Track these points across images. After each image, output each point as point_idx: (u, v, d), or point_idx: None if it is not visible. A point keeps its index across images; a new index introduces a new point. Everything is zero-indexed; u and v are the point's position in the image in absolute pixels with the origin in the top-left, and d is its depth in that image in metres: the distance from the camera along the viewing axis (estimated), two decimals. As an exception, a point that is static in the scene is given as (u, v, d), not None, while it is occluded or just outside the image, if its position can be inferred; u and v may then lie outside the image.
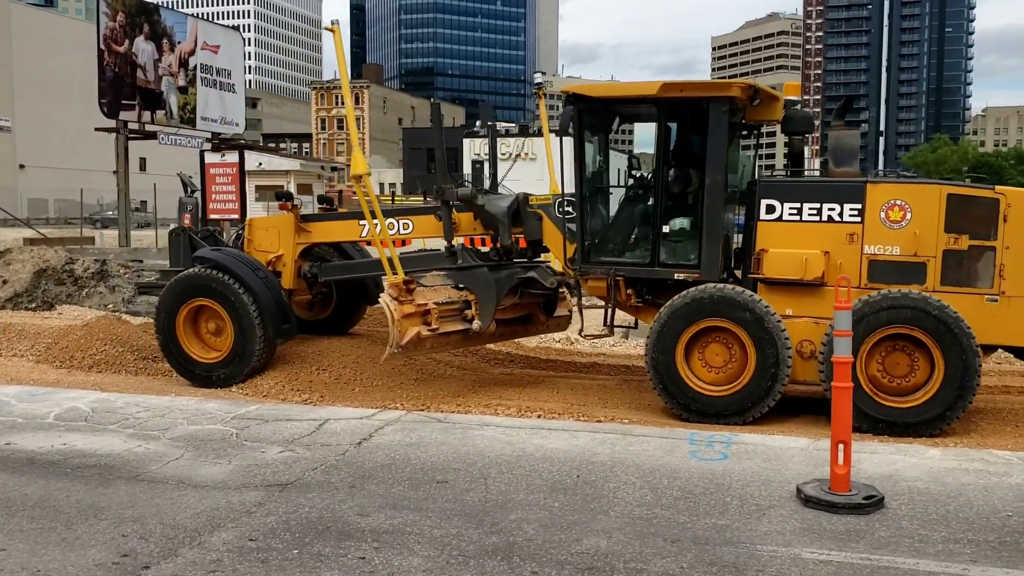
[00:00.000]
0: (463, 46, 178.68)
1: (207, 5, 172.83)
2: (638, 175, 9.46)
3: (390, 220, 9.78)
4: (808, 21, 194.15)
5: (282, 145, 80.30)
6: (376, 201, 8.68)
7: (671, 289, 8.60)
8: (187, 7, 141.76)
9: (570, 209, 9.28)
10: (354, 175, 8.50)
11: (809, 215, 8.07)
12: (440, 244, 10.04)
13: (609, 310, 9.13)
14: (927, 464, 6.39)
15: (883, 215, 7.90)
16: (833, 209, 8.00)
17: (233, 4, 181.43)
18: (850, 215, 7.95)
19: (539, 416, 8.06)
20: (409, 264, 9.47)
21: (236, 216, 24.36)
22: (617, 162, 10.03)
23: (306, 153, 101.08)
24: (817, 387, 8.11)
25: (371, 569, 4.50)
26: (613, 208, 9.55)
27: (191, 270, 9.86)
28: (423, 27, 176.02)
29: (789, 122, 8.99)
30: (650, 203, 8.87)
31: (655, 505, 5.50)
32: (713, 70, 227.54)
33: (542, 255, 10.27)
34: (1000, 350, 8.57)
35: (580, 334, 9.80)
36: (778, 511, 5.40)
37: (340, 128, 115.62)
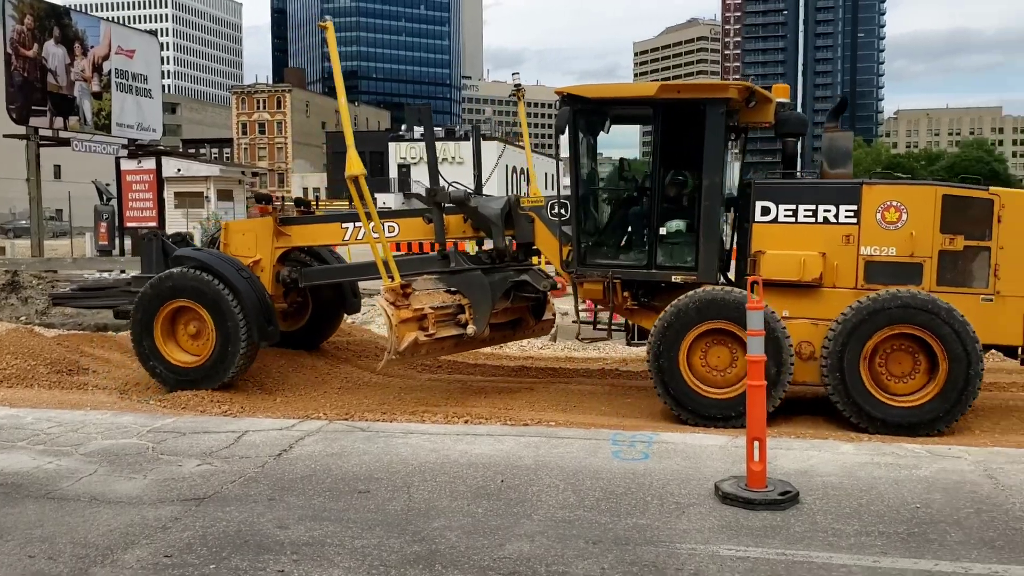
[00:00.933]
0: (387, 50, 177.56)
1: (123, 9, 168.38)
2: (634, 177, 9.43)
3: (373, 223, 9.68)
4: (726, 27, 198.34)
5: (202, 151, 78.62)
6: (372, 203, 8.43)
7: (667, 291, 8.62)
8: (101, 11, 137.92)
9: (562, 212, 9.21)
10: (349, 176, 8.24)
11: (805, 217, 8.10)
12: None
13: (598, 313, 9.26)
14: (841, 459, 6.57)
15: (879, 216, 7.95)
16: (829, 211, 8.03)
17: (150, 8, 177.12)
18: (846, 216, 8.00)
19: (466, 422, 8.04)
20: (400, 268, 9.30)
21: (154, 224, 23.73)
22: (611, 164, 10.10)
23: (227, 158, 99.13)
24: (817, 387, 8.20)
25: (290, 583, 4.42)
26: (609, 210, 9.54)
27: (173, 270, 9.47)
28: (346, 31, 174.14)
29: (783, 124, 9.00)
30: (647, 205, 8.80)
31: (578, 507, 5.54)
32: (635, 75, 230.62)
33: (532, 258, 10.13)
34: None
35: (578, 337, 9.75)
36: (697, 509, 5.49)
37: (262, 132, 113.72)
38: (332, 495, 5.79)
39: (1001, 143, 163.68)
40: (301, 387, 9.93)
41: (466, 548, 4.87)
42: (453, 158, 76.96)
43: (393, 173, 77.63)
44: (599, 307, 9.34)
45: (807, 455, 6.68)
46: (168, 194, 43.30)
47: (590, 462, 6.50)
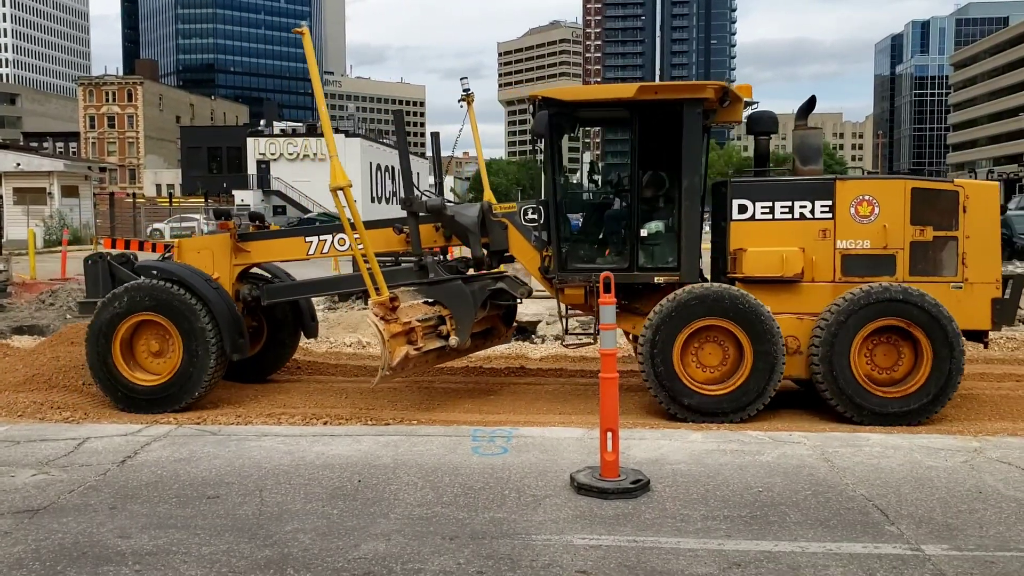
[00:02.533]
0: (245, 43, 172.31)
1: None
2: (612, 179, 9.24)
3: (340, 236, 9.18)
4: (588, 30, 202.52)
5: (44, 144, 74.23)
6: (357, 214, 8.00)
7: (647, 294, 8.61)
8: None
9: (535, 217, 9.02)
10: (333, 187, 7.86)
11: (781, 213, 8.19)
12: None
13: (566, 318, 9.10)
14: (690, 447, 6.81)
15: (853, 211, 8.12)
16: (804, 207, 8.15)
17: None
18: (821, 212, 8.13)
19: (324, 423, 7.90)
20: (360, 282, 8.88)
21: (-11, 221, 22.22)
22: (588, 167, 10.01)
23: (73, 153, 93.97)
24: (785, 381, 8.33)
25: (131, 594, 4.22)
26: (588, 214, 9.39)
27: (134, 282, 8.80)
28: (202, 22, 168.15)
29: (756, 123, 9.07)
30: (625, 207, 8.72)
31: (436, 504, 5.52)
32: (500, 75, 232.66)
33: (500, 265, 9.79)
34: None
35: (563, 344, 9.48)
36: (553, 500, 5.57)
37: (112, 126, 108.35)
38: (179, 502, 5.56)
39: (841, 147, 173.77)
40: (150, 391, 9.49)
41: (319, 550, 4.77)
42: (315, 154, 75.64)
43: (252, 169, 75.43)
44: (571, 311, 9.16)
45: (659, 444, 6.89)
46: (6, 190, 40.68)
47: (449, 459, 6.49)
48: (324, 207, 70.00)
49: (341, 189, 7.80)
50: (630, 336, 9.24)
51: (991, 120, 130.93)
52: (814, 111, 9.33)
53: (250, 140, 77.13)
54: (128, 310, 8.65)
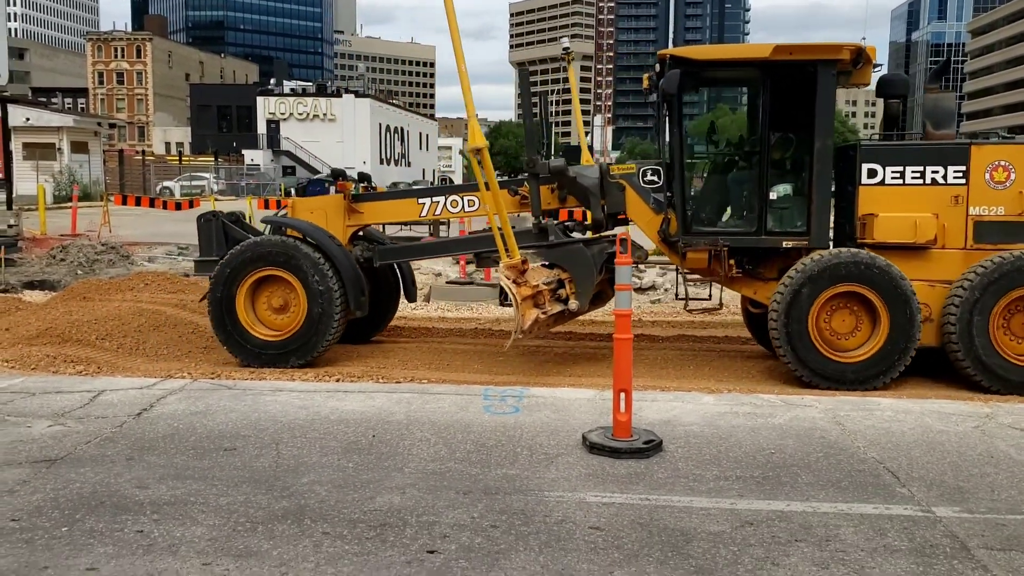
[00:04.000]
0: (256, 0, 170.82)
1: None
2: (740, 141, 9.12)
3: (453, 197, 9.21)
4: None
5: (54, 100, 73.96)
6: (493, 176, 7.82)
7: (770, 258, 8.59)
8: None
9: (655, 179, 8.89)
10: (471, 148, 7.74)
11: (912, 178, 8.03)
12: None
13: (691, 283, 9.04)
14: (702, 409, 6.83)
15: (988, 176, 7.96)
16: (937, 172, 8.00)
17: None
18: (954, 177, 7.98)
19: (337, 380, 7.94)
20: (485, 243, 8.94)
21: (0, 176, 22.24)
22: (715, 129, 9.75)
23: (82, 109, 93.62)
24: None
25: (150, 542, 4.27)
26: (715, 177, 9.23)
27: (260, 238, 8.94)
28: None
29: (887, 85, 8.84)
30: (754, 170, 8.54)
31: (449, 460, 5.56)
32: (511, 36, 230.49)
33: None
34: None
35: (686, 308, 9.45)
36: (565, 459, 5.61)
37: (121, 82, 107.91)
38: (196, 454, 5.61)
39: (854, 115, 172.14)
40: (164, 347, 9.56)
41: (336, 502, 4.82)
42: (325, 115, 75.29)
43: (262, 129, 75.15)
44: (694, 276, 8.99)
45: (671, 406, 6.91)
46: (16, 145, 40.62)
47: (461, 417, 6.53)
48: (333, 167, 69.82)
49: (479, 150, 7.64)
50: (748, 301, 9.17)
51: (1007, 89, 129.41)
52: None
53: (260, 99, 76.73)
54: (253, 265, 8.73)
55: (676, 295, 9.67)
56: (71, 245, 16.99)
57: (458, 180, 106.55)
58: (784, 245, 8.36)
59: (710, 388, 7.81)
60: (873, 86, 9.01)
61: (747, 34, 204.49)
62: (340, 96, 76.80)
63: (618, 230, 9.26)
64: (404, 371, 8.60)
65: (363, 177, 10.99)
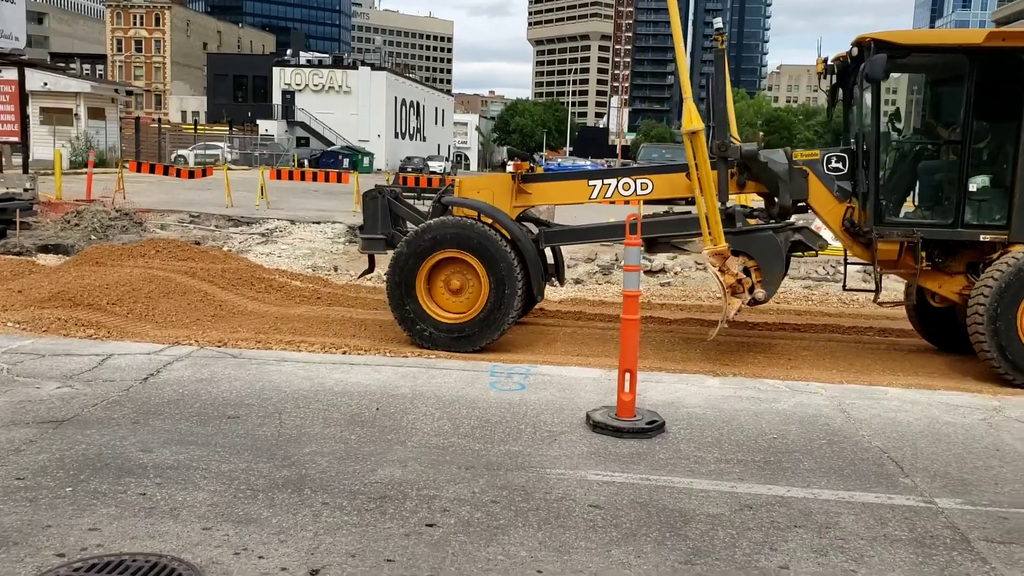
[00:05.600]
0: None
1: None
2: (937, 130, 8.69)
3: (625, 180, 8.92)
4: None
5: (72, 65, 73.97)
6: (706, 161, 7.68)
7: (962, 251, 8.30)
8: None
9: (839, 166, 8.63)
10: (687, 131, 7.62)
11: None
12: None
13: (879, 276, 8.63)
14: (706, 392, 6.82)
15: None
16: None
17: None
18: None
19: (344, 352, 7.96)
20: (676, 228, 8.80)
21: (16, 139, 22.34)
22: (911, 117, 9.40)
23: (100, 75, 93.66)
24: None
25: (152, 505, 4.30)
26: (911, 166, 8.83)
27: (444, 218, 8.74)
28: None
29: None
30: (954, 160, 8.20)
31: (452, 434, 5.58)
32: (530, 13, 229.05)
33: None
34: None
35: (875, 302, 9.07)
36: (568, 436, 5.61)
37: (139, 50, 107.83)
38: (200, 420, 5.64)
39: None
40: (173, 314, 9.60)
41: (337, 473, 4.84)
42: (340, 87, 75.09)
43: (277, 99, 75.04)
44: (881, 269, 8.54)
45: (675, 388, 6.90)
46: (33, 109, 40.68)
47: (467, 392, 6.54)
48: (347, 140, 69.70)
49: (695, 133, 7.56)
50: (933, 295, 8.74)
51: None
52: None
53: (276, 70, 76.54)
54: (435, 246, 8.50)
55: (844, 287, 9.54)
56: (85, 210, 17.05)
57: (474, 157, 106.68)
58: (981, 239, 8.07)
59: (715, 371, 7.80)
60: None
61: (768, 17, 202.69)
62: (356, 68, 76.52)
63: (801, 219, 9.10)
64: (411, 346, 8.60)
65: (513, 154, 10.74)
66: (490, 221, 8.62)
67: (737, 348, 9.21)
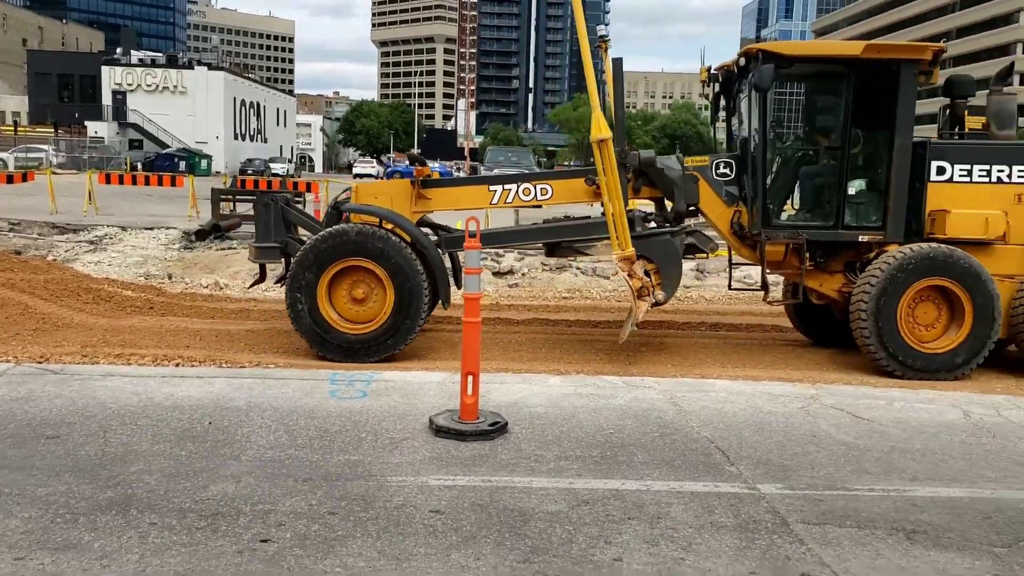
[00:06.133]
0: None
1: None
2: (820, 136, 9.05)
3: (525, 185, 8.88)
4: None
5: None
6: (614, 169, 7.72)
7: (841, 252, 8.71)
8: None
9: (727, 172, 8.89)
10: (596, 139, 7.66)
11: (979, 177, 8.32)
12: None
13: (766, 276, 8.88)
14: (548, 391, 6.95)
15: None
16: (1002, 171, 8.31)
17: None
18: (1019, 176, 8.31)
19: (176, 364, 7.63)
20: (580, 232, 8.81)
21: None
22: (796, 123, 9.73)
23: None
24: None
25: (-44, 538, 3.99)
26: (795, 171, 9.19)
27: (344, 226, 8.33)
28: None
29: (955, 86, 9.05)
30: (832, 165, 8.62)
31: (289, 446, 5.44)
32: (374, 15, 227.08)
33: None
34: None
35: (766, 300, 9.20)
36: (410, 443, 5.59)
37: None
38: (14, 442, 5.27)
39: (706, 108, 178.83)
40: (-14, 329, 8.92)
41: (165, 491, 4.63)
42: (175, 87, 71.99)
43: (107, 100, 71.19)
44: (768, 269, 8.88)
45: (519, 388, 7.00)
46: None
47: (305, 402, 6.40)
48: (184, 142, 66.92)
49: (603, 140, 7.65)
50: (813, 293, 9.05)
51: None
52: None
53: (105, 69, 72.52)
54: (337, 254, 8.18)
55: (730, 285, 9.91)
56: None
57: (318, 159, 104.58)
58: (860, 239, 8.56)
59: (559, 370, 7.95)
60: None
61: (607, 24, 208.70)
62: (192, 68, 73.55)
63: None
64: (251, 355, 8.35)
65: (414, 159, 10.53)
66: (391, 227, 8.51)
67: (580, 347, 9.43)
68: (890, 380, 8.06)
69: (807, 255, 8.63)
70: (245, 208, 22.40)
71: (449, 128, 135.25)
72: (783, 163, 9.21)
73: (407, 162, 73.30)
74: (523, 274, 15.15)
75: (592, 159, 7.86)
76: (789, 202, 9.22)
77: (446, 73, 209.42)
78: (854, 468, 5.45)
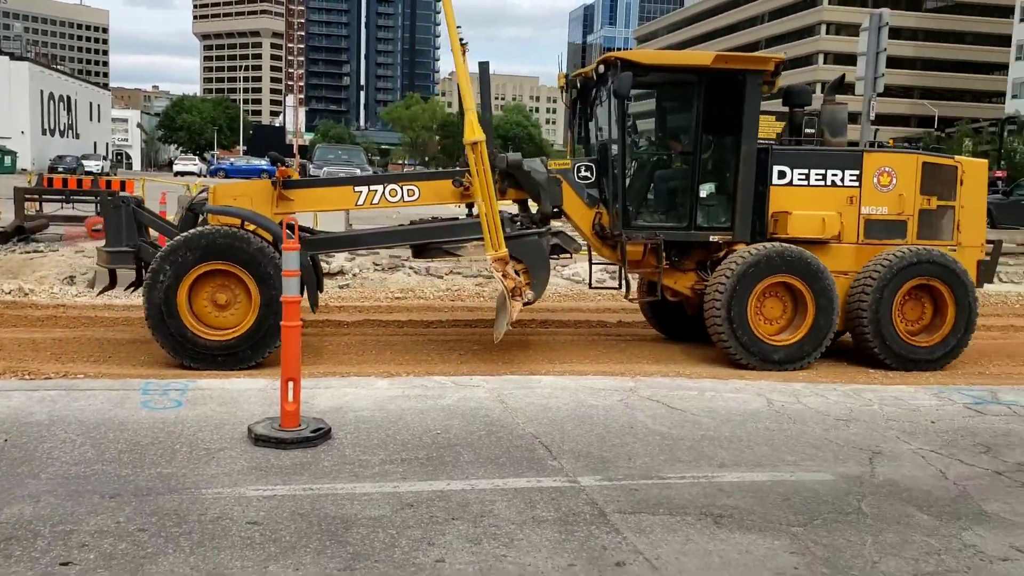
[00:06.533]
0: None
1: None
2: (675, 142, 9.45)
3: (392, 186, 8.82)
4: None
5: None
6: (489, 171, 7.88)
7: (693, 251, 9.17)
8: None
9: (588, 175, 9.16)
10: (469, 141, 7.80)
11: (816, 180, 8.98)
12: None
13: (628, 275, 9.45)
14: (375, 394, 6.89)
15: (875, 180, 9.04)
16: (836, 175, 8.99)
17: None
18: (850, 180, 9.01)
19: (-30, 378, 7.04)
20: (454, 232, 8.91)
21: None
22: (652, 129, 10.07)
23: None
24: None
25: None
26: (653, 174, 9.58)
27: (205, 228, 8.04)
28: None
29: (793, 95, 9.60)
30: (685, 169, 9.06)
31: (96, 461, 5.14)
32: (196, 6, 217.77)
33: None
34: None
35: (626, 298, 9.69)
36: (228, 453, 5.39)
37: None
38: None
39: (537, 110, 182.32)
40: None
41: (-49, 518, 4.27)
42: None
43: None
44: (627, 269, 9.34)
45: (344, 392, 6.90)
46: None
47: (115, 414, 6.06)
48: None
49: (476, 143, 7.80)
50: (668, 290, 9.37)
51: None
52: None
53: None
54: (198, 258, 7.84)
55: (590, 284, 10.05)
56: None
57: (136, 155, 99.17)
58: (711, 239, 9.01)
59: (389, 372, 7.90)
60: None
61: (438, 24, 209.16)
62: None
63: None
64: (57, 365, 7.86)
65: (276, 160, 10.11)
66: (253, 228, 8.22)
67: (412, 348, 9.40)
68: (702, 371, 8.50)
69: (663, 254, 9.05)
70: (52, 208, 21.10)
71: (277, 124, 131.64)
72: (640, 167, 9.64)
73: (231, 160, 70.57)
74: (354, 275, 14.94)
75: (459, 161, 8.15)
76: (646, 204, 9.66)
77: (273, 68, 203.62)
78: (667, 457, 5.70)
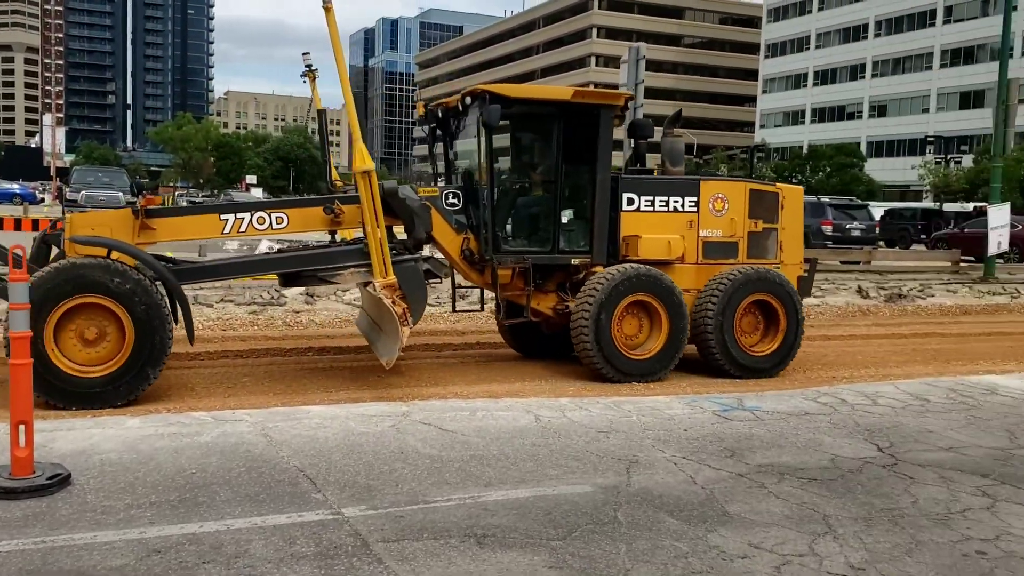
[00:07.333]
0: None
1: None
2: (539, 171, 9.91)
3: (260, 214, 8.69)
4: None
5: None
6: (378, 199, 8.16)
7: (554, 274, 9.73)
8: None
9: (455, 202, 9.47)
10: (360, 170, 8.04)
11: (660, 206, 9.72)
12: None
13: (500, 298, 9.91)
14: (124, 434, 6.41)
15: (711, 206, 9.89)
16: (677, 201, 9.77)
17: None
18: (689, 206, 9.81)
19: None
20: (329, 260, 8.84)
21: None
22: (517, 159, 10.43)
23: None
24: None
25: None
26: (519, 201, 10.05)
27: (74, 260, 7.60)
28: None
29: (638, 128, 10.37)
30: (548, 196, 9.60)
31: None
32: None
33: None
34: None
35: (498, 319, 10.36)
36: (-55, 510, 4.82)
37: None
38: None
39: (315, 131, 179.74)
40: None
41: None
42: None
43: None
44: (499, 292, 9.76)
45: (90, 433, 6.38)
46: None
47: None
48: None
49: (367, 172, 8.06)
50: (530, 311, 9.73)
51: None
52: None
53: None
54: (65, 292, 7.41)
55: (453, 308, 10.95)
56: None
57: None
58: (572, 262, 9.60)
59: (147, 410, 7.41)
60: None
61: (212, 43, 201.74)
62: None
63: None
64: None
65: (141, 188, 9.40)
66: (117, 256, 7.80)
67: (175, 382, 8.85)
68: (477, 393, 8.59)
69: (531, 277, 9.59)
70: None
71: (33, 145, 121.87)
72: (504, 194, 9.98)
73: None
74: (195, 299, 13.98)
75: (332, 189, 9.00)
76: (514, 229, 10.03)
77: (28, 85, 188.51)
78: (435, 480, 5.68)
